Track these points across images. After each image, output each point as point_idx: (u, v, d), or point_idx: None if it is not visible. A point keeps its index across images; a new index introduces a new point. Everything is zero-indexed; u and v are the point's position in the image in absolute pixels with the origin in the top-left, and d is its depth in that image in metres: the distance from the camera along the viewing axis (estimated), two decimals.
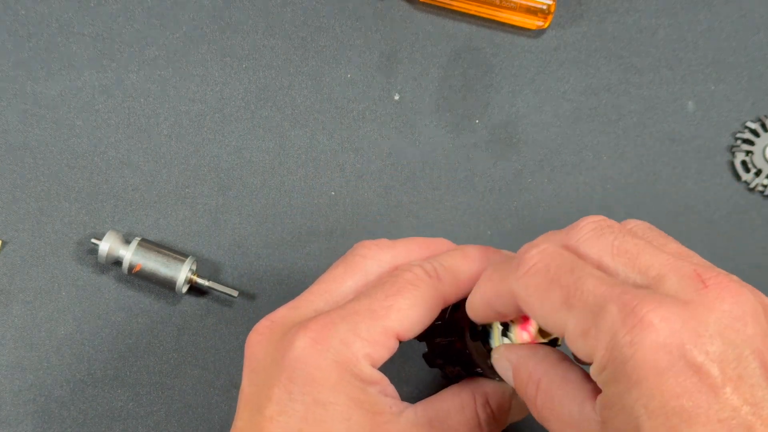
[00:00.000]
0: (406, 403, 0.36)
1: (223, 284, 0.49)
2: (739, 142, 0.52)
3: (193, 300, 0.50)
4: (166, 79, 0.52)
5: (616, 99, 0.52)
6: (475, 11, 0.52)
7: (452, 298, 0.37)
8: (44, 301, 0.49)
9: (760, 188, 0.51)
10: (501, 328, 0.36)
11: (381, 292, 0.36)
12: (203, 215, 0.51)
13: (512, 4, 0.51)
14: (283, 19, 0.53)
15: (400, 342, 0.36)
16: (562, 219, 0.51)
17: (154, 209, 0.50)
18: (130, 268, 0.48)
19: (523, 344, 0.35)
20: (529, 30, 0.53)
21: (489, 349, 0.36)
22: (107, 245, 0.48)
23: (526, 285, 0.31)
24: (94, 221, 0.50)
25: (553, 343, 0.36)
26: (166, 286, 0.48)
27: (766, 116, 0.52)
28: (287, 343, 0.35)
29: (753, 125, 0.52)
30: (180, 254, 0.48)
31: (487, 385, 0.38)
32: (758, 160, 0.51)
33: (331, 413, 0.34)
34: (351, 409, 0.34)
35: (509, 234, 0.51)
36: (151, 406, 0.48)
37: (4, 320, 0.49)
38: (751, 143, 0.52)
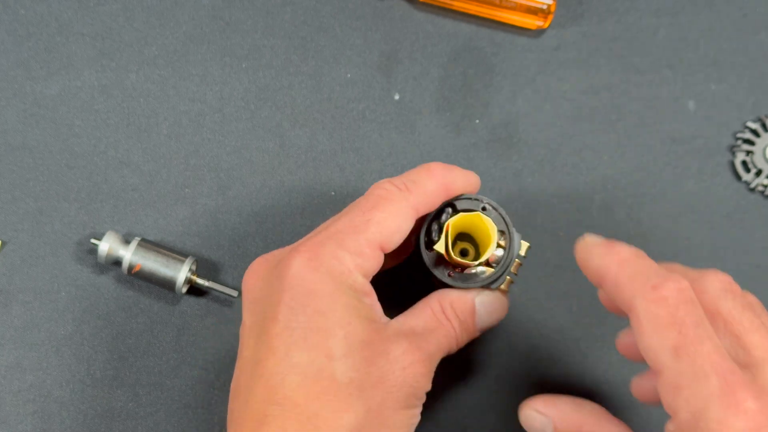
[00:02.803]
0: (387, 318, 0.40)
1: (223, 284, 0.49)
2: (739, 141, 0.52)
3: (193, 300, 0.50)
4: (166, 79, 0.52)
5: (617, 99, 0.52)
6: (475, 11, 0.52)
7: (422, 208, 0.40)
8: (44, 301, 0.49)
9: (761, 188, 0.51)
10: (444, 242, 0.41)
11: (358, 209, 0.39)
12: (203, 215, 0.51)
13: (512, 4, 0.51)
14: (283, 18, 0.52)
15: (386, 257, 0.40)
16: (562, 219, 0.51)
17: (154, 209, 0.50)
18: (130, 268, 0.48)
19: (566, 398, 0.40)
20: (529, 30, 0.53)
21: (438, 257, 0.42)
22: (107, 245, 0.48)
23: (649, 309, 0.34)
24: (93, 221, 0.50)
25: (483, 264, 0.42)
26: (166, 286, 0.48)
27: (766, 116, 0.52)
28: (283, 267, 0.37)
29: (753, 125, 0.52)
30: (180, 254, 0.48)
31: (451, 293, 0.41)
32: (759, 160, 0.51)
33: (331, 320, 0.36)
34: (349, 316, 0.37)
35: None
36: (151, 406, 0.48)
37: (4, 320, 0.49)
38: (752, 143, 0.52)
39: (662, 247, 0.50)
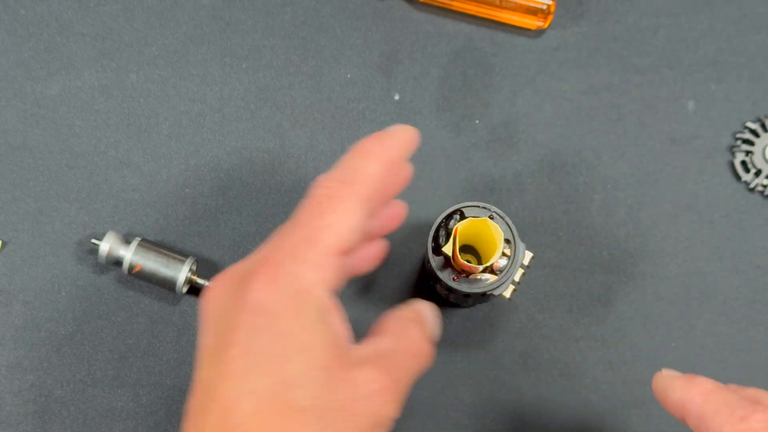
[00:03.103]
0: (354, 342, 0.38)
1: None
2: (739, 142, 0.52)
3: (193, 300, 0.50)
4: (166, 79, 0.52)
5: (616, 99, 0.52)
6: (475, 11, 0.52)
7: (374, 195, 0.38)
8: (44, 301, 0.49)
9: (760, 188, 0.51)
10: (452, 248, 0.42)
11: (306, 216, 0.37)
12: (203, 215, 0.51)
13: (512, 4, 0.51)
14: (283, 19, 0.52)
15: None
16: (562, 219, 0.51)
17: (154, 209, 0.50)
18: (130, 268, 0.48)
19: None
20: (529, 30, 0.53)
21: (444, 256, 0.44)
22: (107, 245, 0.48)
23: None
24: (94, 221, 0.50)
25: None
26: (166, 286, 0.48)
27: (766, 116, 0.52)
28: (243, 289, 0.36)
29: (753, 125, 0.52)
30: (180, 254, 0.48)
31: (402, 309, 0.39)
32: (758, 160, 0.51)
33: (292, 344, 0.35)
34: (311, 340, 0.35)
35: None
36: (151, 406, 0.48)
37: (4, 320, 0.49)
38: (751, 143, 0.52)
39: (662, 247, 0.50)
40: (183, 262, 0.48)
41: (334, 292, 0.37)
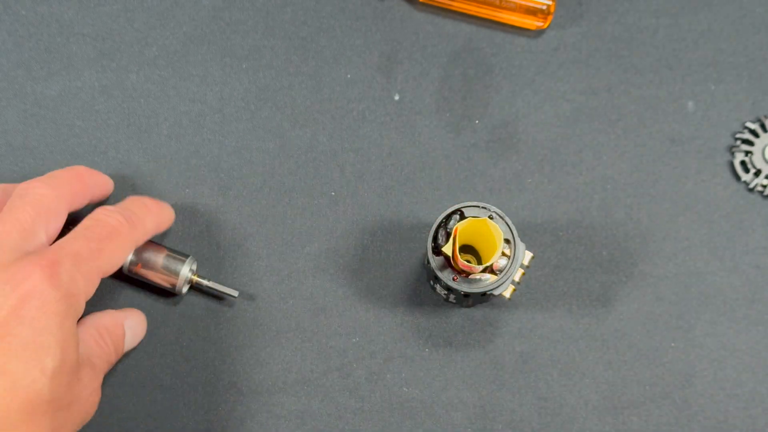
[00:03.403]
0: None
1: (223, 284, 0.49)
2: (738, 142, 0.52)
3: (193, 300, 0.50)
4: (166, 80, 0.52)
5: (616, 99, 0.52)
6: (475, 11, 0.52)
7: (140, 242, 0.45)
8: None
9: (760, 188, 0.51)
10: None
11: (94, 235, 0.41)
12: (203, 215, 0.51)
13: (512, 5, 0.51)
14: (283, 19, 0.53)
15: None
16: (561, 219, 0.51)
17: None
18: (130, 267, 0.48)
19: None
20: (528, 30, 0.53)
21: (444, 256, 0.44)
22: None
23: None
24: None
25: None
26: (165, 285, 0.48)
27: (765, 116, 0.52)
28: (22, 275, 0.38)
29: (752, 125, 0.52)
30: (180, 254, 0.48)
31: (104, 317, 0.45)
32: (758, 161, 0.51)
33: (54, 339, 0.38)
34: (70, 338, 0.38)
35: None
36: (152, 406, 0.48)
37: None
38: (751, 143, 0.52)
39: (661, 247, 0.50)
40: (183, 262, 0.48)
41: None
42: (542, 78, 0.52)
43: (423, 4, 0.53)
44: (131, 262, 0.47)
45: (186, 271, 0.48)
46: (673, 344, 0.50)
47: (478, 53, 0.53)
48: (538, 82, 0.52)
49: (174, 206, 0.50)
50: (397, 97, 0.52)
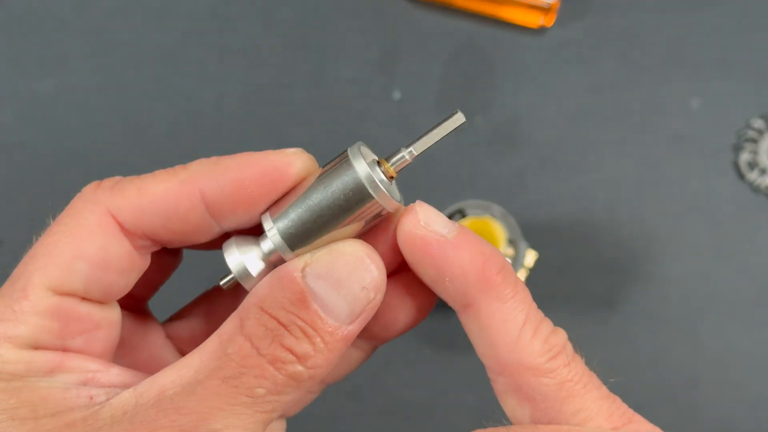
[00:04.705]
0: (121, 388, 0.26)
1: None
2: (743, 141, 0.51)
3: None
4: (163, 78, 0.51)
5: (620, 97, 0.52)
6: (477, 9, 0.52)
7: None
8: None
9: (765, 187, 0.51)
10: None
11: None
12: None
13: (514, 1, 0.51)
14: (282, 16, 0.52)
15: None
16: (564, 219, 0.50)
17: None
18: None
19: None
20: (531, 27, 0.52)
21: None
22: None
23: None
24: None
25: None
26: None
27: None
28: None
29: (758, 124, 0.51)
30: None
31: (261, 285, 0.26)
32: (763, 159, 0.51)
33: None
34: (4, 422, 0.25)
35: None
36: None
37: None
38: (756, 142, 0.51)
39: (666, 247, 0.50)
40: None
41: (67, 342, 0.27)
42: (545, 76, 0.52)
43: (424, 1, 0.52)
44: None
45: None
46: (677, 345, 0.49)
47: (479, 51, 0.52)
48: (541, 79, 0.52)
49: None
50: (397, 96, 0.52)
